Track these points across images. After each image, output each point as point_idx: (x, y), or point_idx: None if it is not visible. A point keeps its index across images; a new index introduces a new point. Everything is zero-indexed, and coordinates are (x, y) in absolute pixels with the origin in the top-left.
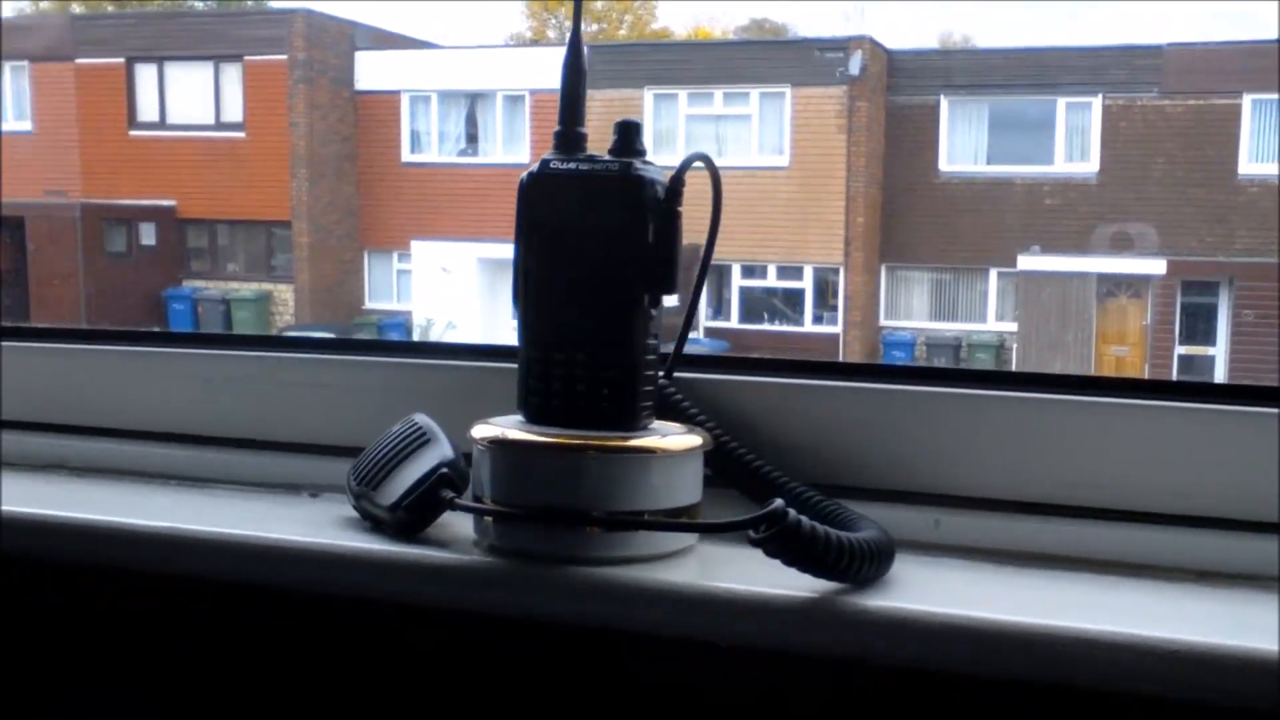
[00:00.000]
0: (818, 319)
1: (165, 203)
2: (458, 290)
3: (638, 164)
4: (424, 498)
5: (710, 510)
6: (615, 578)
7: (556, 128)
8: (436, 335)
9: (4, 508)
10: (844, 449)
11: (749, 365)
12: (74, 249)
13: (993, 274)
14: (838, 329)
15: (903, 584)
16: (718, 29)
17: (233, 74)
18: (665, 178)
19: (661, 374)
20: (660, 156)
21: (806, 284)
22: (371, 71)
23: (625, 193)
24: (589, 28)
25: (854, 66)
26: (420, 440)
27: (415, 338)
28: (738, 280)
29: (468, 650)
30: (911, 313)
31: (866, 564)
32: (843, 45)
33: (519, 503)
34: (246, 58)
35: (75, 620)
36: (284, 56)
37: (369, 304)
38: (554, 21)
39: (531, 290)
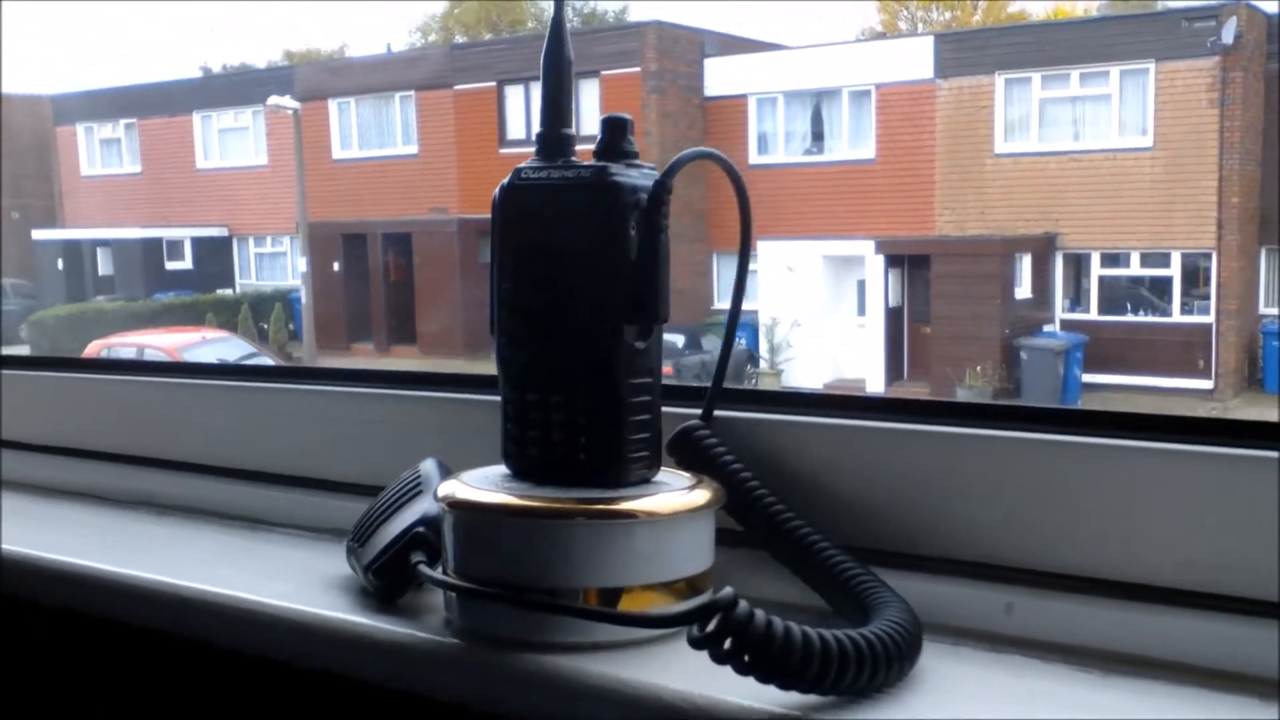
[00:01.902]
0: (1187, 308)
1: None
2: (803, 289)
3: (615, 168)
4: (393, 562)
5: (734, 578)
6: (553, 669)
7: (538, 129)
8: (782, 335)
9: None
10: (903, 506)
11: (802, 404)
12: (452, 261)
13: None
14: (1210, 319)
15: (916, 696)
16: (1080, 7)
17: (590, 89)
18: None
19: (699, 414)
20: (1013, 144)
21: (1174, 271)
22: (719, 77)
23: (600, 203)
24: (941, 16)
25: (1227, 35)
26: (413, 492)
27: (761, 337)
28: (1097, 269)
29: None
30: None
31: (854, 672)
32: (1214, 13)
33: (473, 574)
34: (603, 72)
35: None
36: (637, 69)
37: (717, 304)
38: (904, 13)
39: (505, 320)
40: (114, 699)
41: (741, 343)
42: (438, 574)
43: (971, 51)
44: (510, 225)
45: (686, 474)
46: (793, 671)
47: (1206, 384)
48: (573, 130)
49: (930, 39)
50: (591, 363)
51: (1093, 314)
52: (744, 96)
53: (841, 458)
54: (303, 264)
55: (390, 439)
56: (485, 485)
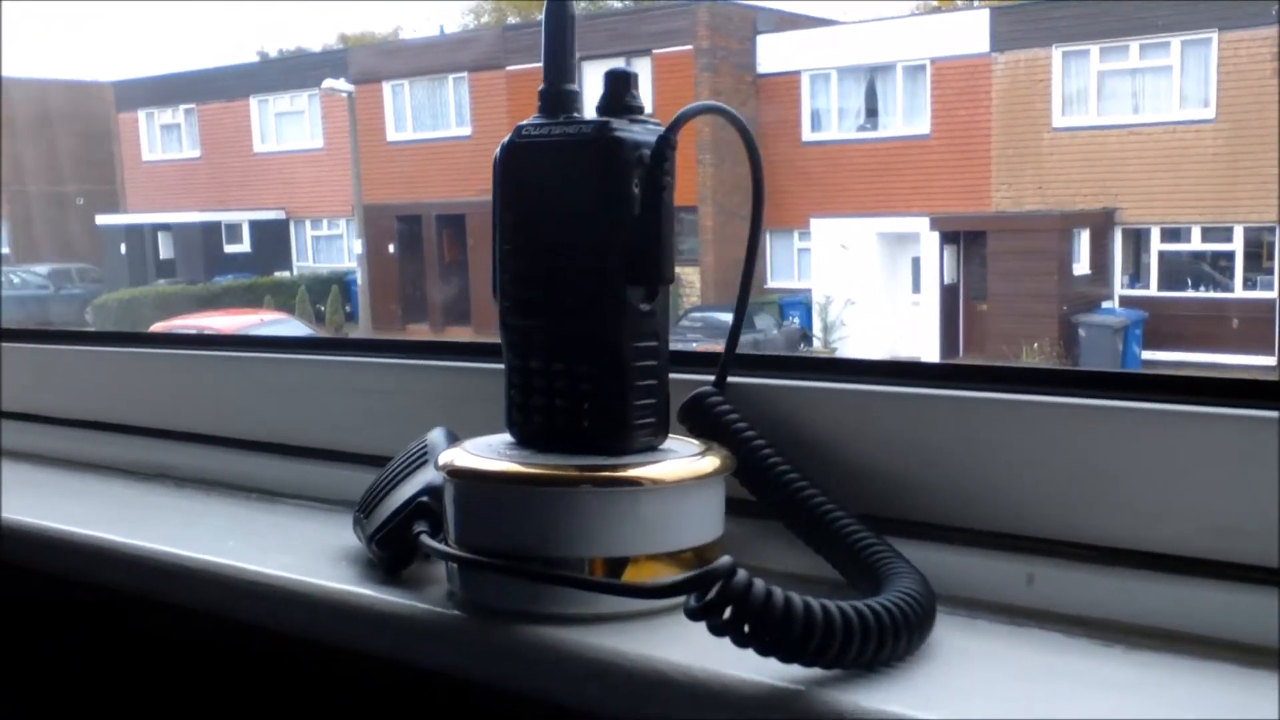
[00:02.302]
0: (1250, 284)
1: None
2: (857, 267)
3: (618, 123)
4: (396, 532)
5: (746, 549)
6: (552, 642)
7: (541, 86)
8: (835, 313)
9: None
10: (921, 474)
11: (819, 369)
12: None
13: None
14: (1273, 294)
15: (927, 671)
16: None
17: (641, 67)
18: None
19: (712, 380)
20: (1071, 118)
21: (1236, 246)
22: (772, 54)
23: (601, 159)
24: None
25: None
26: (419, 461)
27: (814, 315)
28: (1157, 244)
29: (408, 708)
30: None
31: (859, 644)
32: None
33: (473, 544)
34: (654, 51)
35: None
36: (689, 47)
37: (770, 283)
38: None
39: (506, 283)
40: (117, 667)
41: (795, 321)
42: (438, 544)
43: (1028, 24)
44: (511, 185)
45: (696, 441)
46: (794, 643)
47: (1270, 360)
48: (576, 86)
49: (986, 12)
50: (594, 326)
51: (1153, 290)
52: (797, 73)
53: (858, 424)
54: (358, 246)
55: (407, 408)
56: (486, 453)
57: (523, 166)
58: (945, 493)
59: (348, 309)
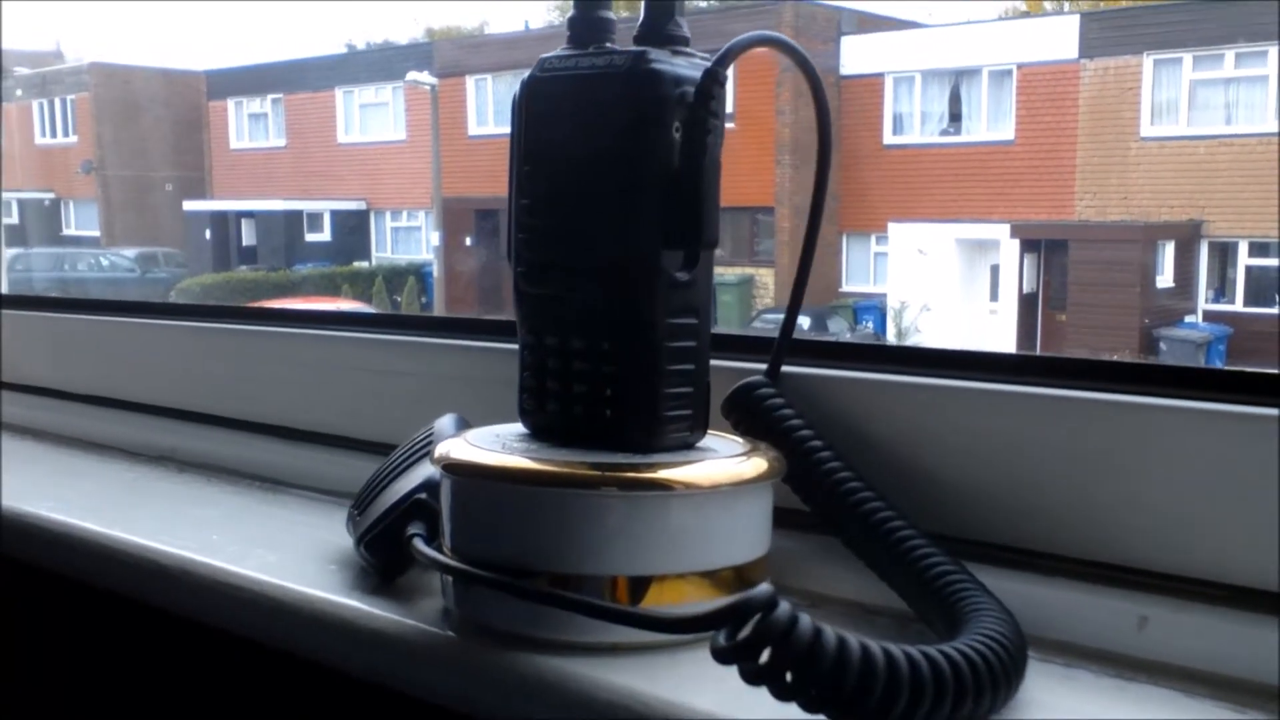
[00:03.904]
0: None
1: None
2: (934, 272)
3: (656, 54)
4: (387, 534)
5: (797, 570)
6: (551, 676)
7: (571, 13)
8: (910, 318)
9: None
10: (1011, 488)
11: (892, 359)
12: None
13: None
14: None
15: None
16: None
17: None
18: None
19: (764, 370)
20: (1160, 128)
21: None
22: (856, 55)
23: (635, 97)
24: None
25: None
26: (423, 452)
27: (889, 320)
28: (1244, 258)
29: None
30: None
31: (932, 702)
32: None
33: (470, 552)
34: None
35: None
36: None
37: (845, 286)
38: None
39: (521, 246)
40: (76, 662)
41: (869, 325)
42: (431, 551)
43: (1119, 31)
44: (531, 128)
45: (741, 440)
46: (848, 698)
47: None
48: (611, 14)
49: (1076, 18)
50: (620, 297)
51: (1238, 305)
52: (880, 75)
53: (936, 425)
54: (435, 238)
55: (430, 392)
56: (491, 445)
57: (544, 105)
58: (1039, 512)
59: (424, 300)
